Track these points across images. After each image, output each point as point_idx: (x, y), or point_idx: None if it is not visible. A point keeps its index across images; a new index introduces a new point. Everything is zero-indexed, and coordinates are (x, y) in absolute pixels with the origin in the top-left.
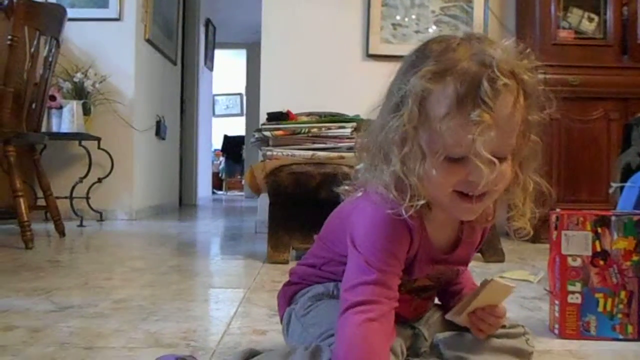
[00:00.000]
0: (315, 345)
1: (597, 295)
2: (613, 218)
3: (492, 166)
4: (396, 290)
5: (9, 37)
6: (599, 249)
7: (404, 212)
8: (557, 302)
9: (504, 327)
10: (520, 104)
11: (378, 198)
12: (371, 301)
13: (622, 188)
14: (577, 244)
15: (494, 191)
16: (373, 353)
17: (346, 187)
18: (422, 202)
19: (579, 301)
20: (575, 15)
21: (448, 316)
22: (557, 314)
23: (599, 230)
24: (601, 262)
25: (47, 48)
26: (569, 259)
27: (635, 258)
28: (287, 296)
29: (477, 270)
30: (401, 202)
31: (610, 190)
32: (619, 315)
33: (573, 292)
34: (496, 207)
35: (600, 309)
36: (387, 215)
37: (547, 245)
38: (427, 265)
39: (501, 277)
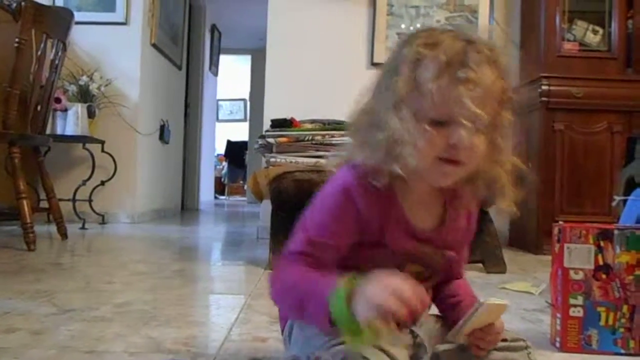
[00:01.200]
0: (318, 356)
1: (599, 309)
2: (616, 232)
3: (472, 128)
4: (329, 264)
5: (17, 39)
6: (601, 263)
7: (398, 170)
8: (558, 315)
9: (505, 340)
10: (499, 79)
11: (352, 171)
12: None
13: (625, 201)
14: (579, 257)
15: (470, 163)
16: (298, 274)
17: (333, 163)
18: (414, 163)
19: (580, 314)
20: (580, 27)
21: (448, 337)
22: (558, 327)
23: (602, 243)
24: (603, 276)
25: (53, 51)
26: (571, 272)
27: (637, 272)
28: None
29: (478, 281)
30: (392, 163)
31: (613, 204)
32: (621, 330)
33: (575, 306)
34: (478, 190)
35: (602, 322)
36: (337, 191)
37: (549, 257)
38: (404, 239)
39: (503, 287)
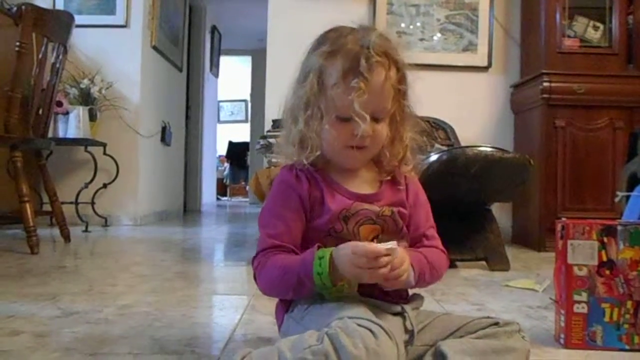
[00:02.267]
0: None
1: (603, 305)
2: (619, 227)
3: (366, 121)
4: (292, 242)
5: (17, 43)
6: (605, 259)
7: (304, 160)
8: (562, 311)
9: (497, 324)
10: (391, 77)
11: (282, 169)
12: (270, 254)
13: (628, 197)
14: (583, 253)
15: (373, 145)
16: (281, 259)
17: (274, 161)
18: (317, 153)
19: (585, 311)
20: (581, 23)
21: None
22: (562, 324)
23: (605, 239)
24: (607, 272)
25: (54, 54)
26: (575, 269)
27: None
28: (284, 306)
29: (482, 279)
30: (301, 154)
31: (616, 199)
32: (626, 326)
33: (579, 302)
34: (401, 163)
35: (606, 319)
36: (277, 185)
37: (552, 254)
38: (344, 200)
39: (507, 285)
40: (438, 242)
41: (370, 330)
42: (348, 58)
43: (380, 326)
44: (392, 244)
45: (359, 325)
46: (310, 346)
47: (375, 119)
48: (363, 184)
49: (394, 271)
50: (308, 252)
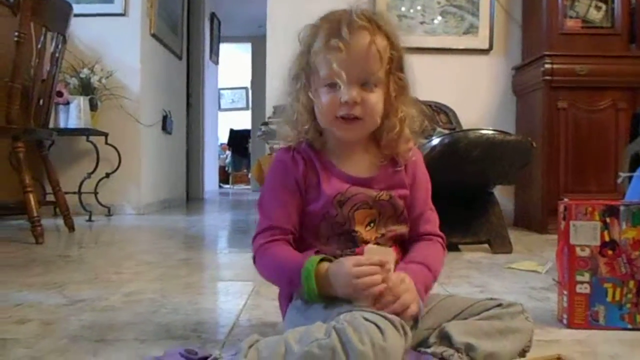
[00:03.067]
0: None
1: (605, 285)
2: (621, 208)
3: (345, 83)
4: (290, 223)
5: (16, 33)
6: (607, 239)
7: (299, 137)
8: (565, 292)
9: (500, 305)
10: (377, 42)
11: (279, 151)
12: (269, 241)
13: (630, 178)
14: (585, 234)
15: (366, 115)
16: (276, 256)
17: (276, 147)
18: (306, 127)
19: (587, 291)
20: (583, 4)
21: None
22: (565, 304)
23: (608, 220)
24: (610, 252)
25: (53, 44)
26: (578, 249)
27: None
28: (287, 294)
29: (485, 261)
30: (294, 130)
31: (619, 180)
32: (628, 305)
33: (582, 282)
34: (398, 138)
35: (609, 298)
36: (274, 166)
37: (554, 236)
38: (339, 183)
39: (509, 267)
40: (435, 226)
41: (377, 325)
42: (332, 24)
43: (388, 319)
44: (385, 251)
45: (366, 319)
46: (317, 339)
47: (364, 87)
48: (361, 166)
49: (396, 299)
50: (302, 257)
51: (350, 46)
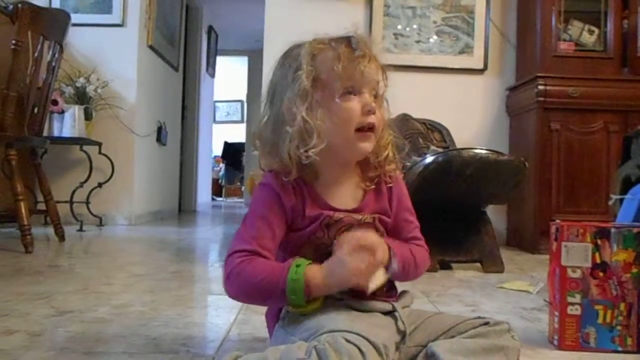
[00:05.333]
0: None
1: (596, 307)
2: (613, 230)
3: (372, 98)
4: (272, 247)
5: (13, 41)
6: (598, 261)
7: (290, 175)
8: (556, 313)
9: (487, 324)
10: (377, 66)
11: (268, 174)
12: (247, 260)
13: (621, 200)
14: (577, 255)
15: (378, 125)
16: (257, 269)
17: (254, 174)
18: (323, 145)
19: (578, 312)
20: (576, 27)
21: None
22: (556, 325)
23: (599, 242)
24: (601, 274)
25: (50, 53)
26: (569, 270)
27: (634, 270)
28: (275, 313)
29: (476, 280)
30: (294, 159)
31: (610, 202)
32: (619, 327)
33: (573, 304)
34: (385, 160)
35: (599, 320)
36: (261, 189)
37: (546, 256)
38: (320, 208)
39: (501, 287)
40: (422, 241)
41: (359, 348)
42: (339, 42)
43: (370, 341)
44: (382, 274)
45: (348, 341)
46: (298, 359)
47: (375, 99)
48: (347, 198)
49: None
50: (288, 261)
51: (359, 55)
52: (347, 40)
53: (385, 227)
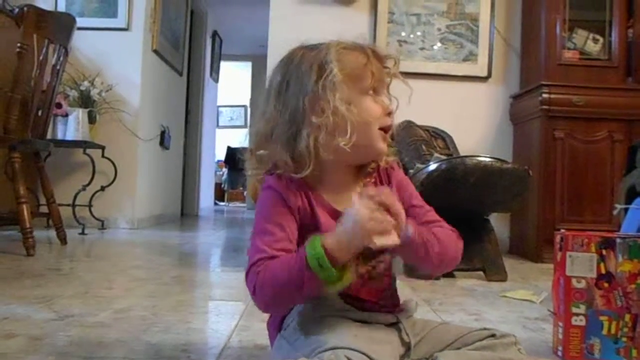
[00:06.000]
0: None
1: (601, 318)
2: (618, 240)
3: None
4: (287, 249)
5: (19, 44)
6: (603, 271)
7: (299, 172)
8: (560, 323)
9: (494, 336)
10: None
11: (269, 177)
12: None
13: (626, 210)
14: (581, 265)
15: (391, 125)
16: (275, 271)
17: (250, 174)
18: (354, 139)
19: (583, 323)
20: (581, 36)
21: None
22: (560, 336)
23: (604, 252)
24: (606, 285)
25: (55, 56)
26: (574, 281)
27: (639, 281)
28: (277, 323)
29: (479, 289)
30: (307, 159)
31: (615, 212)
32: (624, 339)
33: (577, 314)
34: (381, 166)
35: (604, 332)
36: (265, 192)
37: (549, 265)
38: (329, 216)
39: (504, 296)
40: (442, 222)
41: None
42: (343, 42)
43: None
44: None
45: (349, 359)
46: None
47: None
48: (349, 200)
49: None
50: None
51: (389, 60)
52: (367, 46)
53: None
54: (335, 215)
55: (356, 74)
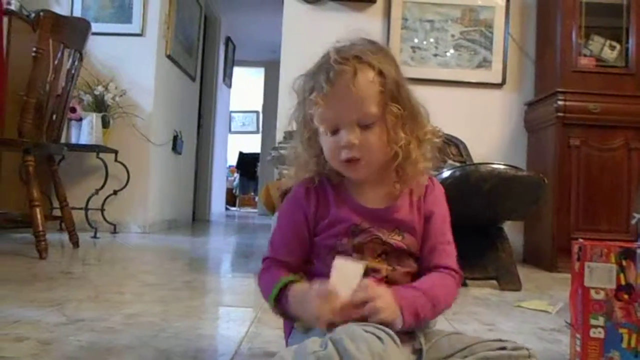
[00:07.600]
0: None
1: (621, 330)
2: (638, 251)
3: (350, 129)
4: (291, 258)
5: (34, 49)
6: (623, 282)
7: (315, 180)
8: (578, 335)
9: (504, 348)
10: (362, 81)
11: (298, 185)
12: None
13: None
14: (600, 276)
15: (367, 154)
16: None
17: (285, 172)
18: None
19: (602, 336)
20: (597, 43)
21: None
22: (578, 348)
23: (624, 262)
24: (626, 296)
25: (70, 61)
26: (592, 292)
27: None
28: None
29: (493, 298)
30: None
31: (633, 221)
32: None
33: (596, 327)
34: (404, 163)
35: (624, 344)
36: (288, 200)
37: (564, 275)
38: (349, 213)
39: (519, 305)
40: (449, 260)
41: (377, 337)
42: (313, 76)
43: (389, 334)
44: (353, 267)
45: (365, 331)
46: (314, 352)
47: (362, 127)
48: (377, 197)
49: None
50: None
51: (333, 94)
52: (326, 72)
53: (412, 247)
54: (358, 209)
55: (319, 120)
